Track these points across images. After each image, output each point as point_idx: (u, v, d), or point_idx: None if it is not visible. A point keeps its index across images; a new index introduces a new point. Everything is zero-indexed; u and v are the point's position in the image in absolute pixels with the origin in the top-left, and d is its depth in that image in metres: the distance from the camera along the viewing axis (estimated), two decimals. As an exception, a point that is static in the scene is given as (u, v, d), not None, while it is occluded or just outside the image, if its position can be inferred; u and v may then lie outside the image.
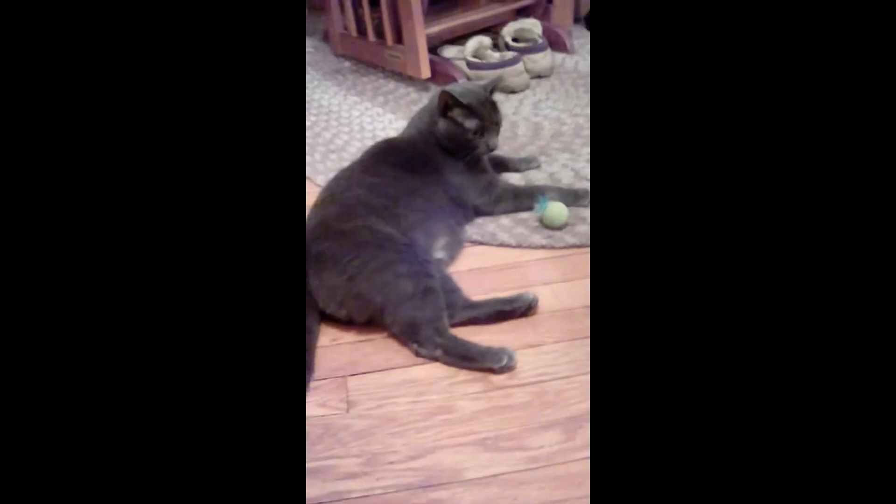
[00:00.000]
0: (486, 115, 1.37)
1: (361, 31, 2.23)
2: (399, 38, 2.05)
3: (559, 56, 2.20)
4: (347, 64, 2.36)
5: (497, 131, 1.41)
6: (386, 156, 1.39)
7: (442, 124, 1.38)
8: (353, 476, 0.89)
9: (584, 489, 0.83)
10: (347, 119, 1.97)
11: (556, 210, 1.34)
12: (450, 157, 1.39)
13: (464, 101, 1.35)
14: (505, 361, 1.02)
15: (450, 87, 1.40)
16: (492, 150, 1.40)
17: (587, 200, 1.40)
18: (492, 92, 1.42)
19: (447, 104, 1.37)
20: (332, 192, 1.32)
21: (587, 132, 1.70)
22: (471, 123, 1.36)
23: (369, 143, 1.59)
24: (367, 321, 1.14)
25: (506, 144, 1.66)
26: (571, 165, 1.58)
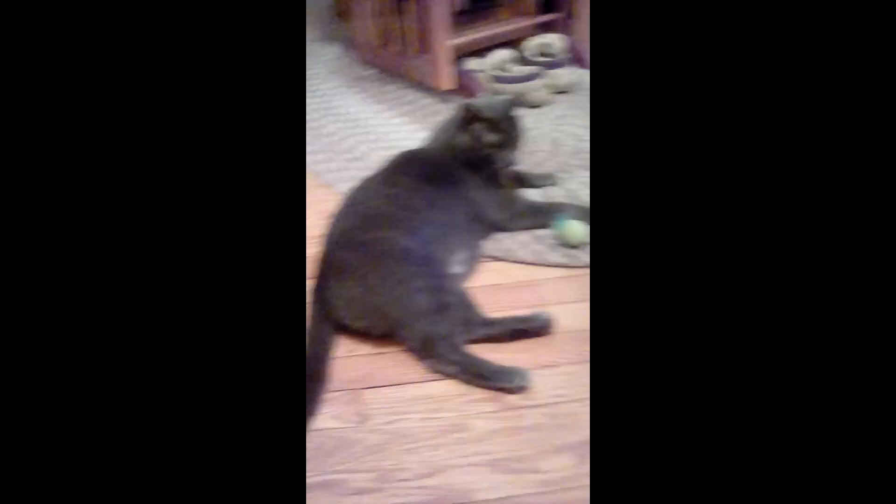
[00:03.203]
0: (507, 129, 1.37)
1: (386, 41, 2.24)
2: (423, 49, 2.06)
3: (581, 72, 2.19)
4: (371, 72, 2.37)
5: (517, 146, 1.41)
6: (407, 167, 1.39)
7: (463, 137, 1.38)
8: (364, 492, 0.89)
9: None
10: (370, 128, 1.98)
11: (574, 228, 1.34)
12: (470, 171, 1.39)
13: (485, 114, 1.35)
14: (519, 381, 1.02)
15: (471, 101, 1.40)
16: (512, 165, 1.40)
17: None
18: (513, 106, 1.42)
19: (468, 118, 1.37)
20: (354, 201, 1.32)
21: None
22: (491, 138, 1.36)
23: (391, 152, 1.59)
24: (382, 335, 1.14)
25: (525, 160, 1.66)
26: (591, 183, 1.57)
